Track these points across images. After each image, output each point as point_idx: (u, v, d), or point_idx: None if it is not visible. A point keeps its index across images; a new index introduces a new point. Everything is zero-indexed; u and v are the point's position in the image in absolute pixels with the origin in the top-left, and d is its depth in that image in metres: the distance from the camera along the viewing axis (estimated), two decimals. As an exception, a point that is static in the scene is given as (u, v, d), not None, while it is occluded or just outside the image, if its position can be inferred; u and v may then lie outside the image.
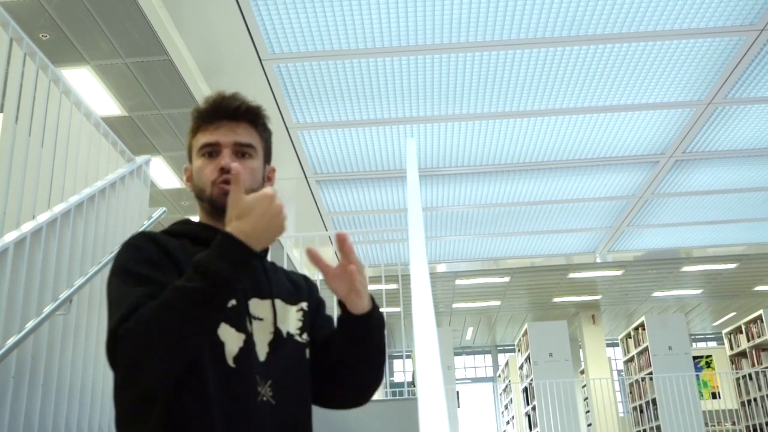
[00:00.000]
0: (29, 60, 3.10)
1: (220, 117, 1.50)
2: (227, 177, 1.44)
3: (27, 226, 2.76)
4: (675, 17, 4.63)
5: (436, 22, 4.57)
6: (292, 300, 1.54)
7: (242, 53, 4.80)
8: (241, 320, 1.41)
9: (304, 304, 1.56)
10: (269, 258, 1.58)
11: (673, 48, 4.97)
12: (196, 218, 1.58)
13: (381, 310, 1.51)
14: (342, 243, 1.39)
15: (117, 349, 1.25)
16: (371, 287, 1.51)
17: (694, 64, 5.17)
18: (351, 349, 1.49)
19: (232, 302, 1.39)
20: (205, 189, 1.49)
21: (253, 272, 1.49)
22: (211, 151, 1.49)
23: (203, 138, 1.50)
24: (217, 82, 5.25)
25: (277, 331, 1.47)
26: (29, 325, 2.54)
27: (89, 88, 5.60)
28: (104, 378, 3.25)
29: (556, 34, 4.74)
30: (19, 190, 2.93)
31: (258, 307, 1.46)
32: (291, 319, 1.52)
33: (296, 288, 1.59)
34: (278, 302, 1.51)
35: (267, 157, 1.58)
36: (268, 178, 1.58)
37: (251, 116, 1.53)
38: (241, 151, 1.50)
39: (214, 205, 1.47)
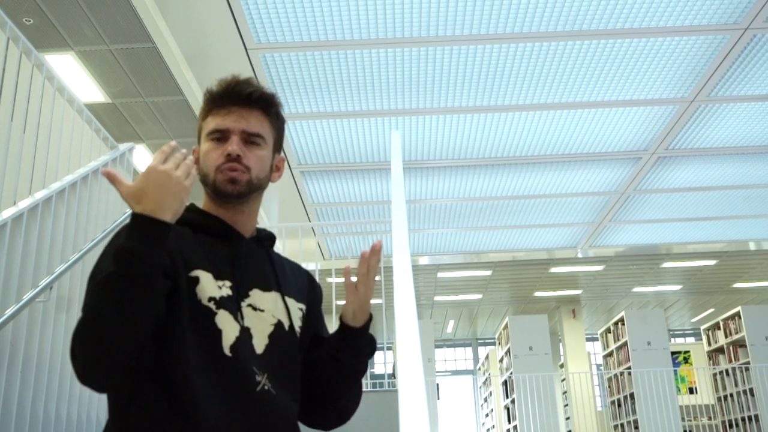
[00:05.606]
0: (12, 44, 3.08)
1: (231, 102, 1.47)
2: (233, 165, 1.44)
3: (8, 212, 2.74)
4: (660, 15, 4.65)
5: (423, 14, 4.57)
6: (297, 297, 1.53)
7: (228, 42, 4.78)
8: (237, 310, 1.39)
9: (303, 306, 1.54)
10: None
11: (657, 45, 5.00)
12: (199, 204, 1.55)
13: None
14: (374, 254, 1.45)
15: (72, 349, 1.26)
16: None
17: (679, 62, 5.21)
18: (336, 366, 1.50)
19: (228, 292, 1.39)
20: (209, 174, 1.46)
21: (257, 263, 1.49)
22: (220, 137, 1.46)
23: (213, 123, 1.47)
24: (202, 71, 5.23)
25: (278, 324, 1.45)
26: (9, 311, 2.53)
27: (73, 74, 5.54)
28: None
29: (542, 29, 4.75)
30: None
31: (261, 298, 1.44)
32: (294, 314, 1.50)
33: (299, 287, 1.57)
34: (288, 298, 1.50)
35: (278, 146, 1.55)
36: (276, 168, 1.55)
37: (264, 104, 1.49)
38: (250, 140, 1.47)
39: (217, 192, 1.46)
